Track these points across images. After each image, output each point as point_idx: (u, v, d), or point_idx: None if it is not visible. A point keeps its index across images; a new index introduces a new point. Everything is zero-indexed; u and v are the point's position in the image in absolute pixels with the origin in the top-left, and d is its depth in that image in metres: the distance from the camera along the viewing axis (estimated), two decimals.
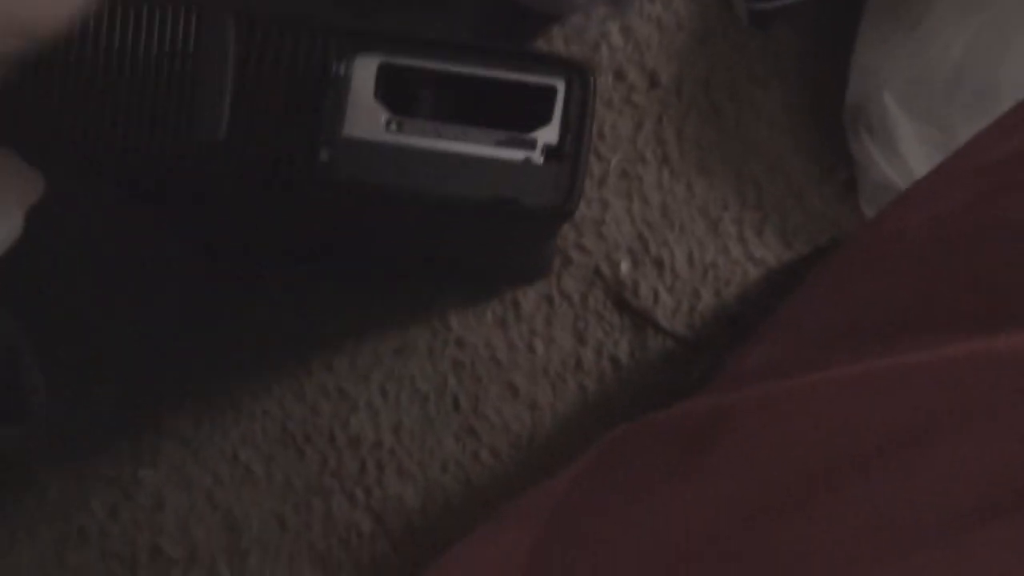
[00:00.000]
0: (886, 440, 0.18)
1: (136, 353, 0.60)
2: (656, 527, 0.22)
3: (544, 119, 0.39)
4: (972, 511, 0.16)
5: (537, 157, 0.39)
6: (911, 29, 0.57)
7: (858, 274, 0.31)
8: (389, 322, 0.60)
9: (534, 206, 0.38)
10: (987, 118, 0.57)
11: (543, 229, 0.46)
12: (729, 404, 0.24)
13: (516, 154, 0.39)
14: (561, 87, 0.40)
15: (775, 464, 0.20)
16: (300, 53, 0.39)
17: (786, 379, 0.24)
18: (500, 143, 0.39)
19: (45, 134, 0.39)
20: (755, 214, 0.61)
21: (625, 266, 0.60)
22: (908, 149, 0.58)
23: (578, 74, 0.39)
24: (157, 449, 0.58)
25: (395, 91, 0.40)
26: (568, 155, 0.39)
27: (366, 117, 0.39)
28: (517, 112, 0.39)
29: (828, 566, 0.17)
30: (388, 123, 0.39)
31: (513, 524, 0.29)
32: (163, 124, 0.38)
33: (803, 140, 0.62)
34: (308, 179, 0.39)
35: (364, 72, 0.39)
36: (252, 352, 0.59)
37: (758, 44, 0.62)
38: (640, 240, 0.61)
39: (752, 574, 0.19)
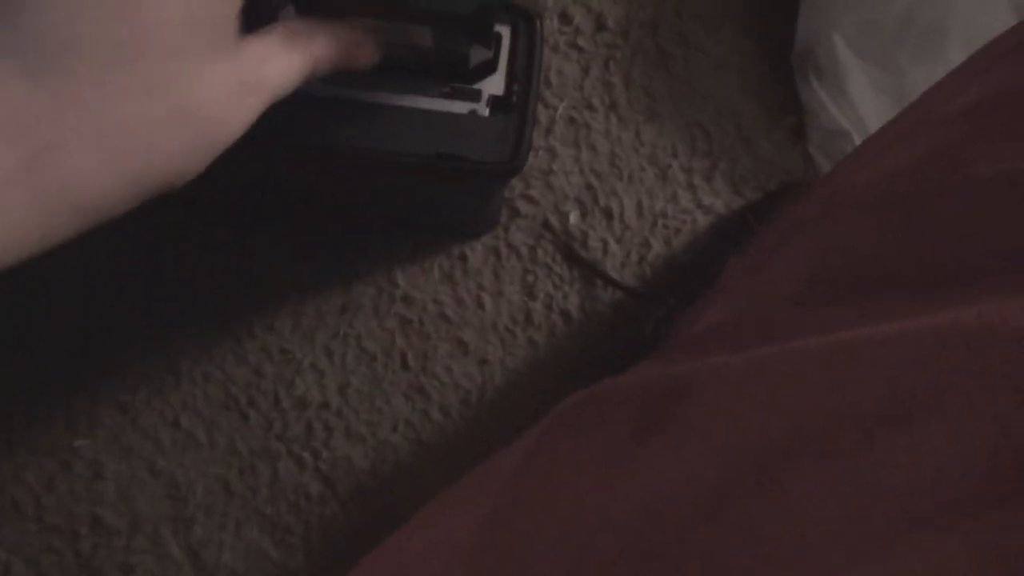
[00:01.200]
0: (852, 423, 0.17)
1: (69, 317, 0.57)
2: (605, 509, 0.21)
3: (489, 68, 0.37)
4: (948, 506, 0.15)
5: (483, 109, 0.37)
6: None
7: (811, 231, 0.30)
8: (332, 279, 0.58)
9: (481, 162, 0.37)
10: (936, 61, 0.56)
11: (491, 184, 0.45)
12: (683, 376, 0.23)
13: (460, 106, 0.37)
14: (506, 33, 0.37)
15: (731, 447, 0.19)
16: None
17: (741, 350, 0.23)
18: (443, 95, 0.37)
19: None
20: (704, 161, 0.60)
21: (574, 217, 0.59)
22: (857, 93, 0.58)
23: (524, 19, 0.37)
24: (94, 417, 0.56)
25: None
26: (516, 106, 0.37)
27: None
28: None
29: (785, 562, 0.16)
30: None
31: (461, 502, 0.28)
32: None
33: (752, 85, 0.60)
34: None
35: (291, 16, 0.37)
36: (190, 314, 0.57)
37: None
38: (589, 190, 0.59)
39: (704, 566, 0.18)
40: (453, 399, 0.58)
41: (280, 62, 0.29)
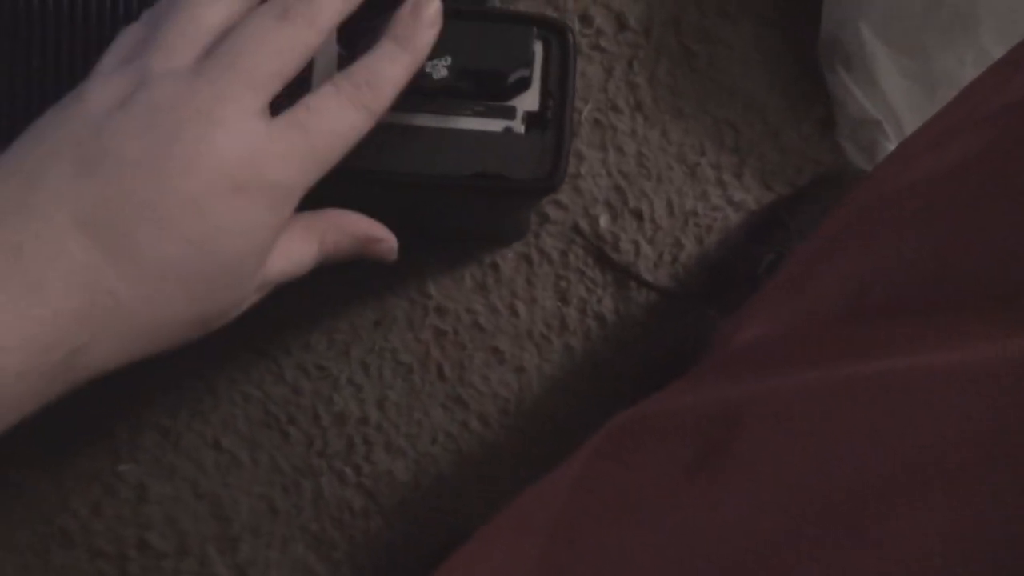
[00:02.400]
0: (930, 469, 0.17)
1: None
2: (659, 551, 0.21)
3: (523, 85, 0.37)
4: None
5: (518, 126, 0.37)
6: None
7: (856, 241, 0.29)
8: (365, 293, 0.58)
9: (519, 180, 0.36)
10: (966, 47, 0.56)
11: (526, 202, 0.45)
12: (734, 405, 0.22)
13: (495, 124, 0.37)
14: (538, 49, 0.37)
15: (791, 489, 0.19)
16: None
17: (791, 371, 0.23)
18: (477, 113, 0.37)
19: None
20: (733, 157, 0.60)
21: (604, 220, 0.59)
22: (886, 81, 0.57)
23: (556, 34, 0.37)
24: (136, 442, 0.56)
25: (358, 39, 0.37)
26: (551, 122, 0.37)
27: None
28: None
29: None
30: None
31: (514, 534, 0.27)
32: None
33: (778, 78, 0.60)
34: None
35: (326, 40, 0.37)
36: (225, 335, 0.57)
37: None
38: (617, 192, 0.59)
39: None
40: (491, 408, 0.58)
41: (292, 261, 0.33)
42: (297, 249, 0.33)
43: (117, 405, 0.57)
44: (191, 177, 0.28)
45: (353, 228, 0.36)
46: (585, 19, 0.59)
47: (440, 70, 0.35)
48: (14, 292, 0.26)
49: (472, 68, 0.35)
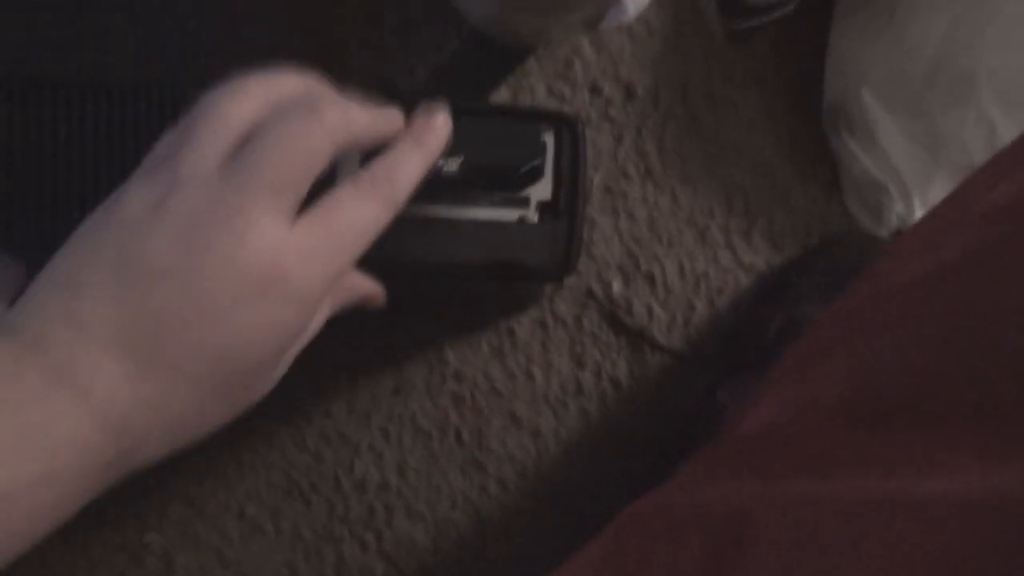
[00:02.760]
0: None
1: None
2: None
3: (535, 175, 0.38)
4: None
5: (532, 215, 0.38)
6: (886, 21, 0.56)
7: (852, 338, 0.30)
8: (383, 361, 0.59)
9: (533, 268, 0.38)
10: (966, 108, 0.57)
11: (541, 287, 0.46)
12: (745, 514, 0.23)
13: (510, 214, 0.38)
14: (549, 140, 0.39)
15: None
16: None
17: (798, 478, 0.24)
18: (492, 203, 0.38)
19: None
20: (742, 220, 0.61)
21: (617, 284, 0.60)
22: (889, 144, 0.58)
23: (567, 125, 0.39)
24: (162, 512, 0.57)
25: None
26: (564, 210, 0.38)
27: None
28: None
29: None
30: None
31: None
32: None
33: (784, 142, 0.61)
34: None
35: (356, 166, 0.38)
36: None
37: (733, 48, 0.61)
38: (630, 257, 0.60)
39: None
40: (509, 472, 0.59)
41: (314, 328, 0.36)
42: (316, 321, 0.35)
43: (144, 475, 0.58)
44: (219, 287, 0.30)
45: (358, 289, 0.38)
46: (595, 89, 0.61)
47: (453, 166, 0.37)
48: (68, 405, 0.27)
49: (484, 163, 0.37)
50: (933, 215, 0.32)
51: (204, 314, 0.29)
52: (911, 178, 0.58)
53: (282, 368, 0.34)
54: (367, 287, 0.38)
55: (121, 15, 0.55)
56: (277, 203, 0.31)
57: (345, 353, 0.59)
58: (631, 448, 0.59)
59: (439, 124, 0.35)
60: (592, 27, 0.44)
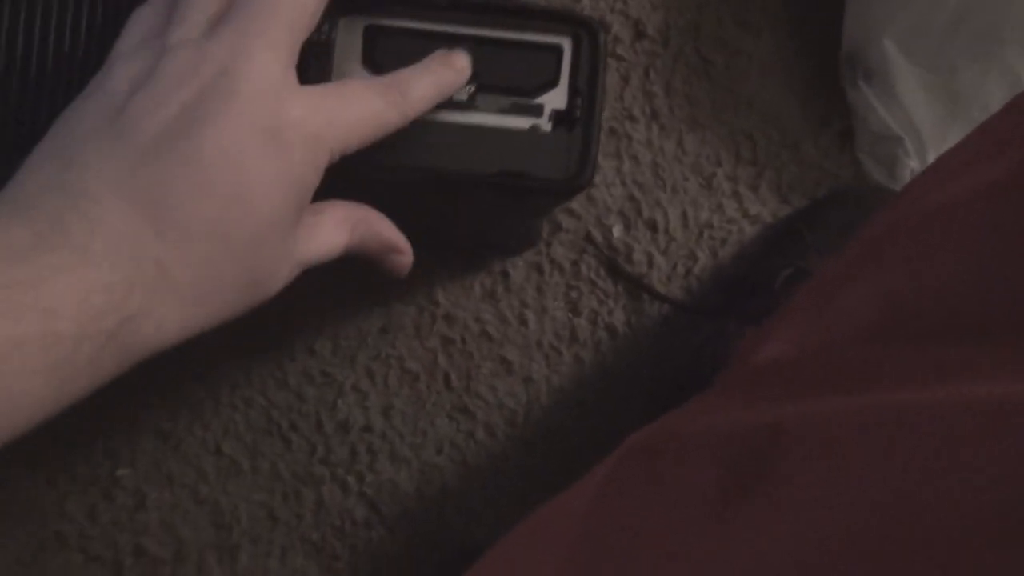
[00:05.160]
0: (973, 506, 0.16)
1: None
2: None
3: (550, 82, 0.36)
4: None
5: (545, 124, 0.36)
6: None
7: (888, 258, 0.28)
8: (372, 300, 0.57)
9: (544, 179, 0.35)
10: (990, 63, 0.55)
11: (551, 203, 0.43)
12: (774, 428, 0.21)
13: (521, 122, 0.36)
14: (568, 46, 0.36)
15: (852, 513, 0.17)
16: None
17: (829, 395, 0.22)
18: (503, 110, 0.36)
19: None
20: (749, 169, 0.59)
21: (617, 230, 0.58)
22: (909, 96, 0.56)
23: (587, 31, 0.36)
24: (134, 446, 0.55)
25: (384, 56, 0.36)
26: (579, 121, 0.36)
27: None
28: (521, 75, 0.36)
29: None
30: None
31: (524, 560, 0.26)
32: None
33: (797, 90, 0.59)
34: None
35: (349, 36, 0.36)
36: (227, 338, 0.56)
37: None
38: (631, 202, 0.58)
39: None
40: (498, 419, 0.57)
41: (325, 244, 0.33)
42: (330, 234, 0.33)
43: (116, 408, 0.56)
44: (222, 132, 0.28)
45: (382, 231, 0.36)
46: (602, 26, 0.58)
47: (462, 95, 0.35)
48: (62, 260, 0.25)
49: (495, 90, 0.35)
50: (978, 133, 0.30)
51: (207, 164, 0.28)
52: (928, 132, 0.56)
53: (290, 254, 0.32)
54: (393, 236, 0.36)
55: None
56: (273, 54, 0.30)
57: (332, 289, 0.56)
58: (626, 398, 0.57)
59: (456, 67, 0.34)
60: None
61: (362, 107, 0.31)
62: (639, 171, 0.58)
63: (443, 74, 0.34)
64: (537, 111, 0.36)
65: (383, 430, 0.56)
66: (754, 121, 0.59)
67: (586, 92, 0.36)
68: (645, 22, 0.58)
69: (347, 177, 0.34)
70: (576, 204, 0.57)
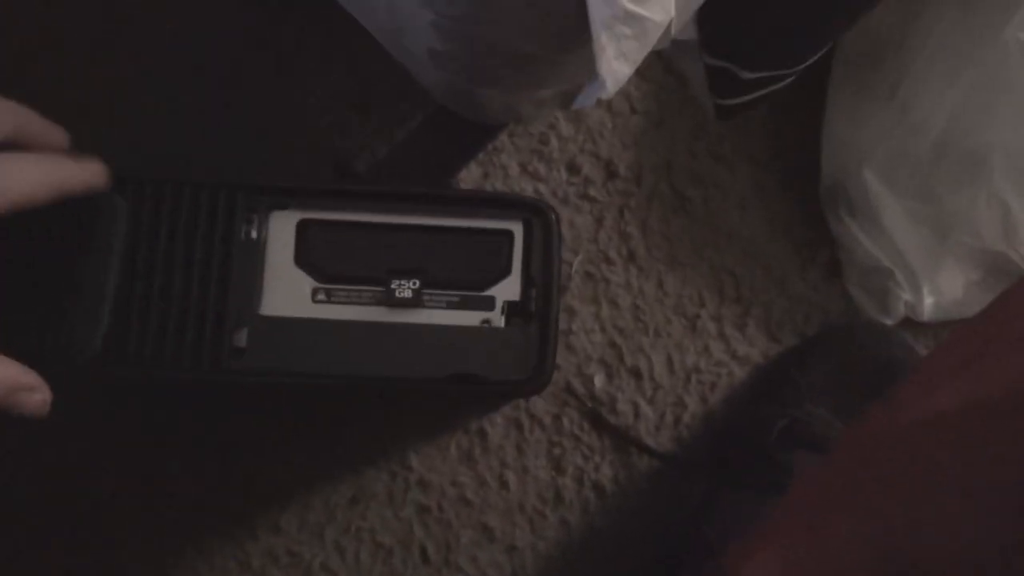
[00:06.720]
0: None
1: (55, 522, 0.52)
2: None
3: (502, 271, 0.33)
4: None
5: (497, 318, 0.33)
6: (887, 100, 0.52)
7: (877, 487, 0.25)
8: (340, 468, 0.53)
9: (499, 382, 0.32)
10: (977, 188, 0.52)
11: (508, 400, 0.40)
12: None
13: (472, 317, 0.33)
14: (519, 231, 0.34)
15: None
16: (201, 215, 0.33)
17: None
18: (452, 305, 0.33)
19: None
20: (735, 307, 0.56)
21: (599, 380, 0.54)
22: (894, 226, 0.53)
23: (536, 214, 0.34)
24: None
25: (320, 253, 0.33)
26: (535, 313, 0.33)
27: (287, 288, 0.33)
28: (469, 265, 0.33)
29: None
30: (314, 293, 0.33)
31: None
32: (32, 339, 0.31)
33: (779, 223, 0.56)
34: (222, 372, 0.32)
35: (281, 233, 0.33)
36: (185, 518, 0.52)
37: (719, 123, 0.57)
38: (613, 348, 0.55)
39: None
40: None
41: None
42: None
43: None
44: None
45: None
46: (572, 168, 0.56)
47: (406, 292, 0.32)
48: None
49: (443, 284, 0.32)
50: (967, 331, 0.27)
51: None
52: (918, 263, 0.53)
53: None
54: (17, 376, 0.29)
55: None
56: None
57: (297, 458, 0.53)
58: (615, 562, 0.53)
59: (88, 165, 0.30)
60: (566, 104, 0.39)
61: None
62: (619, 316, 0.55)
63: (64, 166, 0.30)
64: (488, 304, 0.33)
65: None
66: (736, 257, 0.56)
67: (541, 280, 0.33)
68: (616, 161, 0.56)
69: (277, 385, 0.30)
70: None
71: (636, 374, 0.54)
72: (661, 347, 0.55)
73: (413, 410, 0.53)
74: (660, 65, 0.57)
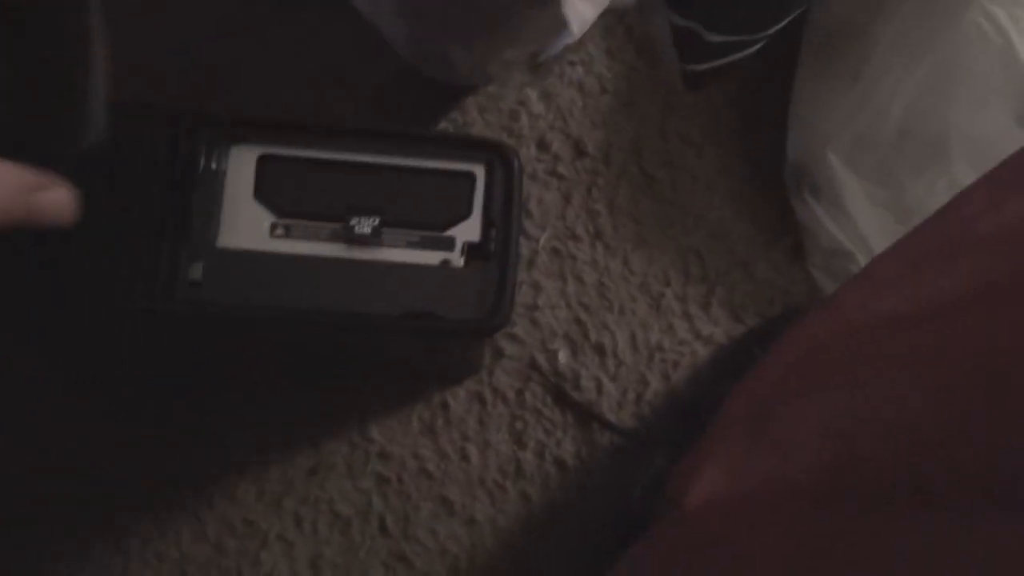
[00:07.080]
0: None
1: (12, 495, 0.51)
2: None
3: (462, 213, 0.33)
4: None
5: (457, 259, 0.33)
6: (851, 84, 0.53)
7: (828, 383, 0.25)
8: (299, 438, 0.52)
9: (456, 320, 0.32)
10: (937, 173, 0.53)
11: (466, 343, 0.40)
12: None
13: (431, 256, 0.33)
14: (480, 173, 0.34)
15: None
16: (160, 146, 0.32)
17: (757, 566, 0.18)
18: (412, 244, 0.33)
19: None
20: (699, 288, 0.56)
21: (563, 355, 0.54)
22: (857, 210, 0.54)
23: (499, 156, 0.34)
24: None
25: (279, 188, 0.33)
26: (495, 254, 0.33)
27: (246, 222, 0.33)
28: (430, 206, 0.33)
29: None
30: (273, 228, 0.33)
31: None
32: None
33: (744, 205, 0.57)
34: (176, 302, 0.32)
35: (241, 166, 0.33)
36: (139, 486, 0.51)
37: (688, 104, 0.57)
38: (578, 325, 0.55)
39: None
40: (439, 567, 0.52)
41: None
42: None
43: (9, 563, 0.50)
44: None
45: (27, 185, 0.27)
46: (542, 144, 0.56)
47: (365, 227, 0.32)
48: None
49: (403, 223, 0.32)
50: (913, 237, 0.27)
51: None
52: (879, 246, 0.54)
53: None
54: (15, 174, 0.27)
55: None
56: None
57: (255, 427, 0.52)
58: (576, 537, 0.52)
59: (53, 196, 0.27)
60: (533, 65, 0.39)
61: None
62: (584, 292, 0.55)
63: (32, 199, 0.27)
64: (448, 244, 0.33)
65: None
66: (702, 237, 0.57)
67: (501, 222, 0.33)
68: (585, 140, 0.57)
69: (243, 324, 0.30)
70: (519, 329, 0.54)
71: (600, 351, 0.54)
72: (625, 325, 0.55)
73: (375, 381, 0.53)
74: (632, 47, 0.57)
